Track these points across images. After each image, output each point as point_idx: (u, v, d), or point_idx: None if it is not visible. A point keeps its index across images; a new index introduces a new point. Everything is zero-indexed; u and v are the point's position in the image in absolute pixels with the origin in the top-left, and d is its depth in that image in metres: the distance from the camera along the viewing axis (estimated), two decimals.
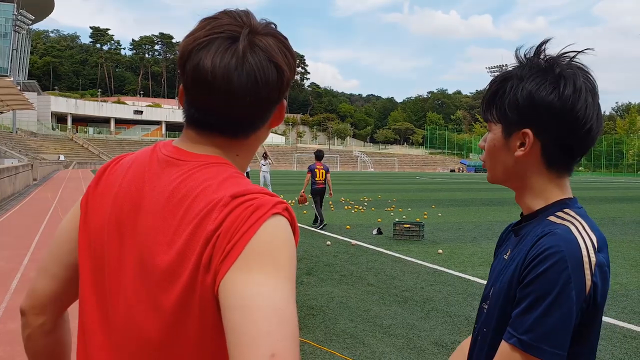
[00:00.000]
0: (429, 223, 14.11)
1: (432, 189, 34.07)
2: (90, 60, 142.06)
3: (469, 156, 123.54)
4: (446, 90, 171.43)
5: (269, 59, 0.96)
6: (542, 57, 1.21)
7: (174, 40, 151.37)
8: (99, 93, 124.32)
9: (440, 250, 9.92)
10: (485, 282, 6.99)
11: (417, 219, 14.53)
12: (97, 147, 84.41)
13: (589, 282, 1.08)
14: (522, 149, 1.21)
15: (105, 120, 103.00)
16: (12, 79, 36.30)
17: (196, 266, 0.89)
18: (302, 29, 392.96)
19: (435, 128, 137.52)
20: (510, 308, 1.15)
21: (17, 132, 69.58)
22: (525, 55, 1.23)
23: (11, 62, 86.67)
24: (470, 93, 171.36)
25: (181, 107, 1.05)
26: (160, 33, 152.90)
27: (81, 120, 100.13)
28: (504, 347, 1.12)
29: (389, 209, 18.48)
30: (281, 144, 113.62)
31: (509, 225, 1.43)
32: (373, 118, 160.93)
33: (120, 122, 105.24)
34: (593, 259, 1.09)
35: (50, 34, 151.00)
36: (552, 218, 1.19)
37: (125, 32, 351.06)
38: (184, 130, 1.05)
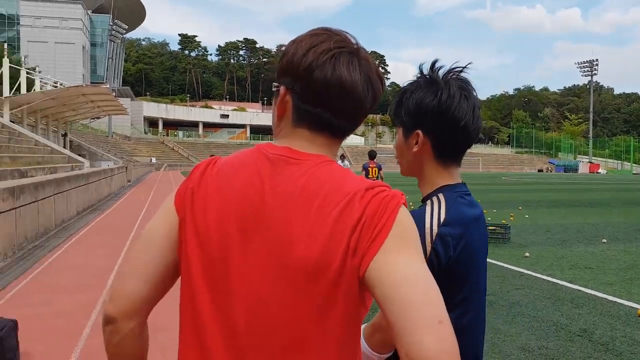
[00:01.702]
0: (516, 225, 13.67)
1: (518, 189, 32.95)
2: (179, 66, 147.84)
3: (557, 155, 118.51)
4: (533, 87, 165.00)
5: (377, 74, 1.14)
6: (431, 72, 1.51)
7: (257, 45, 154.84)
8: (188, 98, 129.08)
9: (527, 254, 9.59)
10: (575, 286, 6.73)
11: (503, 221, 14.09)
12: (186, 149, 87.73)
13: (429, 247, 1.37)
14: (417, 145, 1.50)
15: (194, 124, 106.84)
16: (108, 85, 38.38)
17: (345, 252, 0.99)
18: (381, 30, 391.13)
19: (522, 126, 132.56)
20: None
21: (112, 136, 73.38)
22: (421, 71, 1.54)
23: (107, 70, 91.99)
24: (559, 90, 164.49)
25: (275, 112, 1.17)
26: (244, 39, 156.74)
27: (171, 124, 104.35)
28: None
29: None
30: (360, 144, 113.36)
31: None
32: None
33: (207, 125, 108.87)
34: (435, 230, 1.39)
35: (142, 42, 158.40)
36: (428, 201, 1.50)
37: (212, 38, 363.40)
38: (294, 130, 1.14)
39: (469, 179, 50.32)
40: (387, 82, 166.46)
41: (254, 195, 1.06)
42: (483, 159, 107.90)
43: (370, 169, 14.30)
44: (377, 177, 14.23)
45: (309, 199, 1.02)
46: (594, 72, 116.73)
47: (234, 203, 1.07)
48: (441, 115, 1.46)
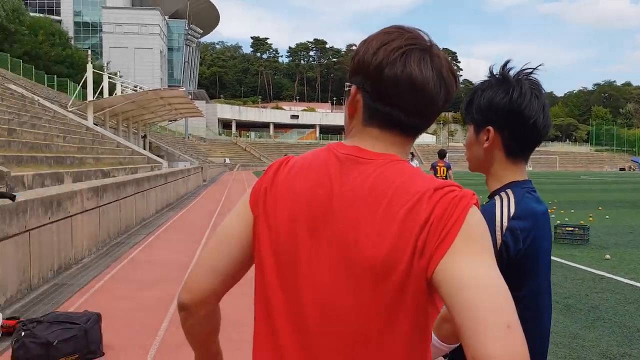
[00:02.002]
0: (595, 226, 13.09)
1: (598, 189, 31.45)
2: (251, 69, 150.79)
3: None
4: (614, 82, 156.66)
5: (450, 71, 1.12)
6: (501, 72, 1.58)
7: (327, 46, 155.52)
8: (259, 99, 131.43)
9: (607, 256, 9.17)
10: None
11: (582, 222, 13.51)
12: (258, 150, 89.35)
13: (499, 241, 1.45)
14: (487, 141, 1.57)
15: (265, 125, 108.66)
16: (184, 88, 39.50)
17: (412, 252, 0.99)
18: (453, 26, 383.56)
19: (602, 123, 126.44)
20: None
21: (188, 137, 75.59)
22: (492, 72, 1.61)
23: (183, 74, 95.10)
24: None
25: (347, 111, 1.18)
26: (314, 39, 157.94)
27: (244, 126, 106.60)
28: None
29: (549, 210, 17.31)
30: (432, 143, 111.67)
31: None
32: None
33: (278, 126, 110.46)
34: (505, 223, 1.47)
35: (216, 46, 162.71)
36: (497, 196, 1.57)
37: (283, 40, 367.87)
38: (364, 129, 1.14)
39: (544, 178, 48.68)
40: (460, 79, 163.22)
41: (322, 195, 1.08)
42: (560, 158, 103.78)
43: (438, 167, 14.26)
44: (446, 177, 13.91)
45: (377, 198, 1.03)
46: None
47: (303, 203, 1.09)
48: (512, 112, 1.53)
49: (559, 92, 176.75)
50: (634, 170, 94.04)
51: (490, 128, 1.56)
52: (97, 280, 7.43)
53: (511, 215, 1.49)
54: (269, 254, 1.12)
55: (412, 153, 19.26)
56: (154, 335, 5.16)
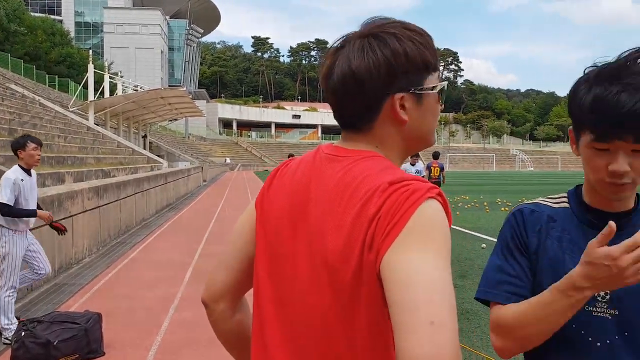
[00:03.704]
0: None
1: None
2: (252, 68, 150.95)
3: None
4: None
5: (368, 53, 1.07)
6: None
7: (328, 45, 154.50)
8: (261, 99, 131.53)
9: None
10: None
11: None
12: (259, 150, 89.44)
13: None
14: None
15: (267, 125, 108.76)
16: (184, 88, 39.54)
17: (362, 245, 0.98)
18: (455, 26, 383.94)
19: None
20: None
21: (189, 137, 75.68)
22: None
23: (184, 73, 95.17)
24: None
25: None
26: (316, 39, 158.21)
27: (245, 125, 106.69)
28: None
29: None
30: None
31: (536, 214, 1.39)
32: (533, 114, 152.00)
33: (279, 126, 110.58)
34: None
35: (217, 46, 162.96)
36: None
37: (284, 40, 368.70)
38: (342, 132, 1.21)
39: (547, 178, 48.63)
40: (461, 80, 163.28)
41: (302, 193, 1.13)
42: (562, 158, 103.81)
43: (433, 168, 15.57)
44: (439, 176, 15.63)
45: (340, 193, 1.05)
46: None
47: (287, 201, 1.15)
48: None
49: (561, 92, 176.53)
50: None
51: None
52: (98, 280, 7.42)
53: None
54: (261, 249, 1.18)
55: (417, 154, 19.44)
56: (154, 335, 5.16)
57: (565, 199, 1.40)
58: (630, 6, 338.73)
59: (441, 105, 1.17)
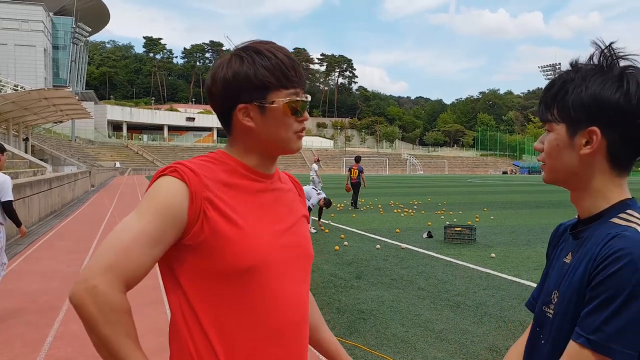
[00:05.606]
0: (481, 226, 13.88)
1: (483, 191, 33.44)
2: (144, 69, 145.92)
3: (521, 158, 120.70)
4: (498, 90, 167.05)
5: (214, 72, 1.37)
6: (607, 57, 1.22)
7: (224, 48, 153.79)
8: (153, 101, 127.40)
9: (493, 254, 9.74)
10: None
11: (469, 222, 14.31)
12: (152, 153, 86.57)
13: None
14: (589, 147, 1.21)
15: (159, 128, 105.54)
16: (70, 89, 37.63)
17: None
18: (350, 33, 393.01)
19: (487, 129, 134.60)
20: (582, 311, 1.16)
21: (75, 140, 72.01)
22: (592, 57, 1.25)
23: (70, 73, 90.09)
24: (522, 93, 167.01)
25: None
26: (210, 41, 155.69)
27: (136, 128, 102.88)
28: (572, 346, 1.14)
29: (439, 212, 18.25)
30: (330, 147, 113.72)
31: (559, 227, 1.49)
32: (422, 120, 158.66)
33: (173, 129, 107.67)
34: None
35: (107, 45, 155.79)
36: (615, 220, 1.20)
37: (177, 41, 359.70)
38: None
39: (435, 181, 50.99)
40: (355, 86, 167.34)
41: None
42: (449, 162, 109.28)
43: (352, 169, 18.44)
44: (358, 178, 18.26)
45: None
46: (556, 75, 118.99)
47: None
48: (628, 111, 1.18)
49: (448, 100, 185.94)
50: (515, 173, 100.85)
51: (596, 129, 1.19)
52: None
53: None
54: None
55: (318, 159, 19.92)
56: (37, 350, 4.81)
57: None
58: (508, 20, 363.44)
59: (298, 116, 1.33)
